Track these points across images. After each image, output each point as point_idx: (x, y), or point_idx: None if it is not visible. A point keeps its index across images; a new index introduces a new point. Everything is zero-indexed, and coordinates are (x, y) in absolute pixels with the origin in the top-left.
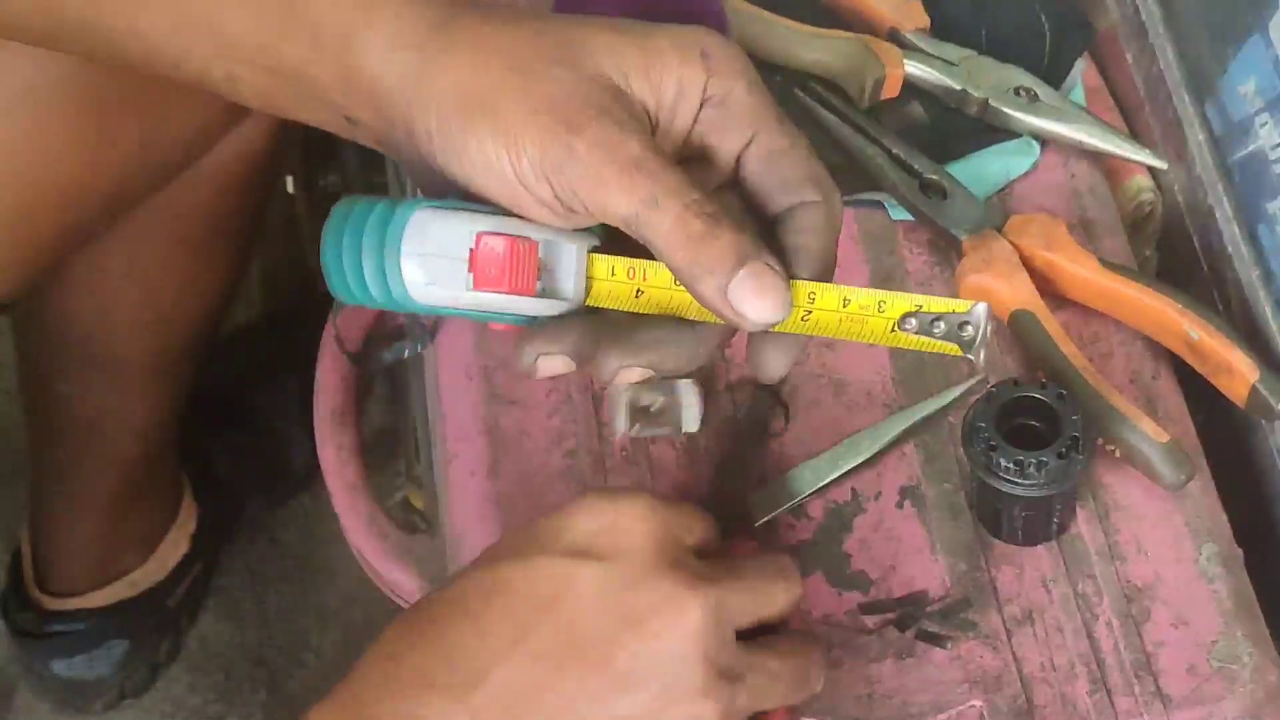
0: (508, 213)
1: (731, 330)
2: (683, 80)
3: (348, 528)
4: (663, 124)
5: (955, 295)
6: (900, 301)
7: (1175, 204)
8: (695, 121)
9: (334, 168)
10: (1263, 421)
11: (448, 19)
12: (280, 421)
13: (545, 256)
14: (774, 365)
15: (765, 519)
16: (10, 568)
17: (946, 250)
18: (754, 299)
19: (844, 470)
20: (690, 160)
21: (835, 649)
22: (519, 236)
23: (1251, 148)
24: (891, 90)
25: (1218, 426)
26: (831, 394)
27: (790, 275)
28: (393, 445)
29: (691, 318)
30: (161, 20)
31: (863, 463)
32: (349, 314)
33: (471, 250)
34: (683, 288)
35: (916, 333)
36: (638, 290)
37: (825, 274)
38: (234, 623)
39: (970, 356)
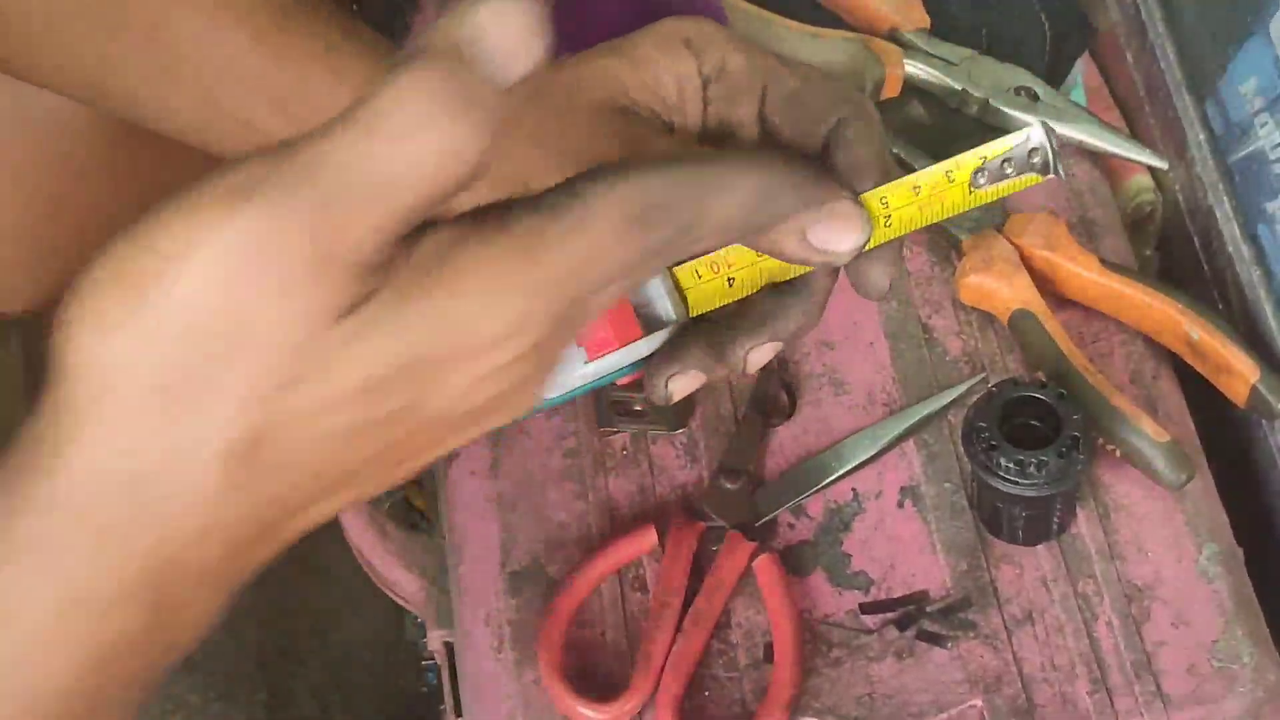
0: None
1: (834, 270)
2: (679, 74)
3: (348, 527)
4: (678, 120)
5: (956, 297)
6: (966, 161)
7: (1175, 204)
8: (706, 106)
9: None
10: (1263, 421)
11: None
12: None
13: (631, 296)
14: (878, 280)
15: (765, 519)
16: None
17: (946, 250)
18: (834, 233)
19: (844, 470)
20: (720, 137)
21: (835, 649)
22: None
23: (1251, 148)
24: (891, 90)
25: (1218, 426)
26: (831, 394)
27: (857, 191)
28: None
29: (790, 278)
30: (190, 107)
31: (863, 463)
32: None
33: None
34: (766, 256)
35: (994, 182)
36: (729, 280)
37: (886, 176)
38: (234, 623)
39: (1054, 175)
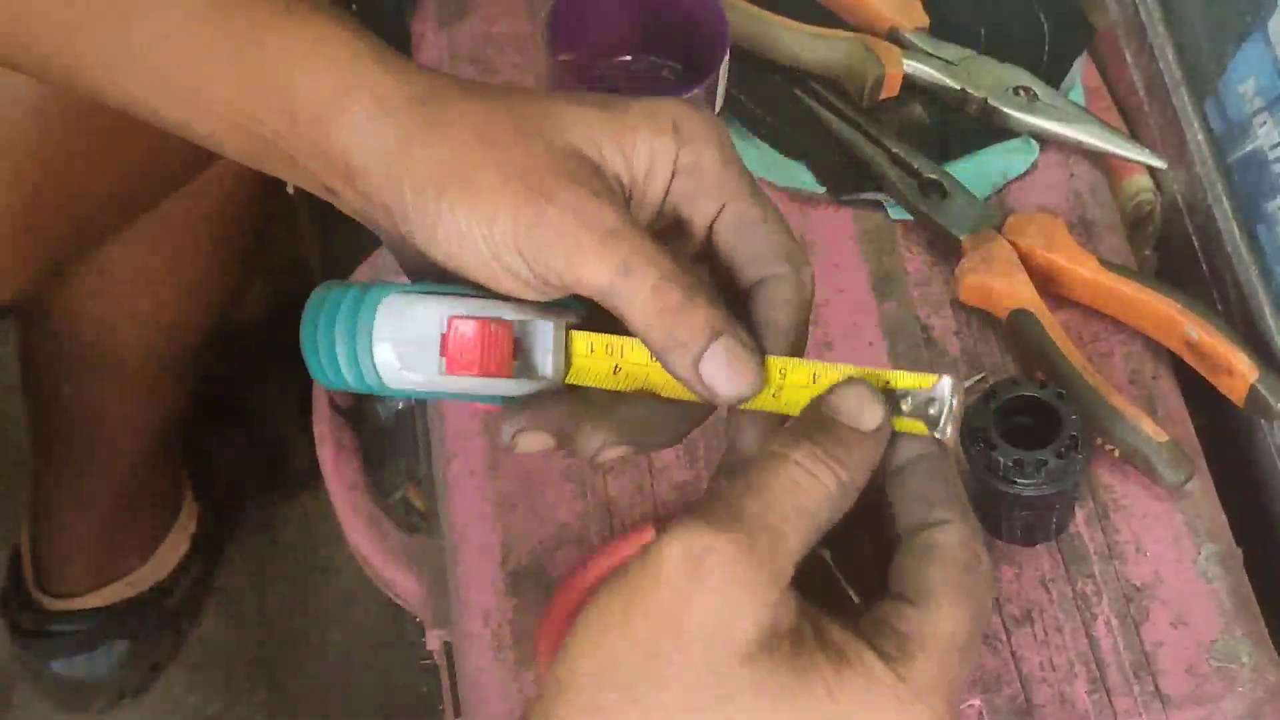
0: (485, 292)
1: (711, 408)
2: (654, 150)
3: (348, 527)
4: (636, 195)
5: (955, 295)
6: (874, 375)
7: (1175, 204)
8: (668, 192)
9: None
10: (1262, 421)
11: (426, 95)
12: (280, 420)
13: (522, 336)
14: (749, 440)
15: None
16: (9, 566)
17: (946, 250)
18: (726, 373)
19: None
20: (665, 232)
21: None
22: (492, 318)
23: (1251, 147)
24: (891, 90)
25: (1218, 426)
26: None
27: (764, 349)
28: (393, 445)
29: (669, 395)
30: (142, 73)
31: None
32: None
33: (443, 335)
34: (659, 364)
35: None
36: (616, 367)
37: (795, 349)
38: (234, 623)
39: (937, 435)
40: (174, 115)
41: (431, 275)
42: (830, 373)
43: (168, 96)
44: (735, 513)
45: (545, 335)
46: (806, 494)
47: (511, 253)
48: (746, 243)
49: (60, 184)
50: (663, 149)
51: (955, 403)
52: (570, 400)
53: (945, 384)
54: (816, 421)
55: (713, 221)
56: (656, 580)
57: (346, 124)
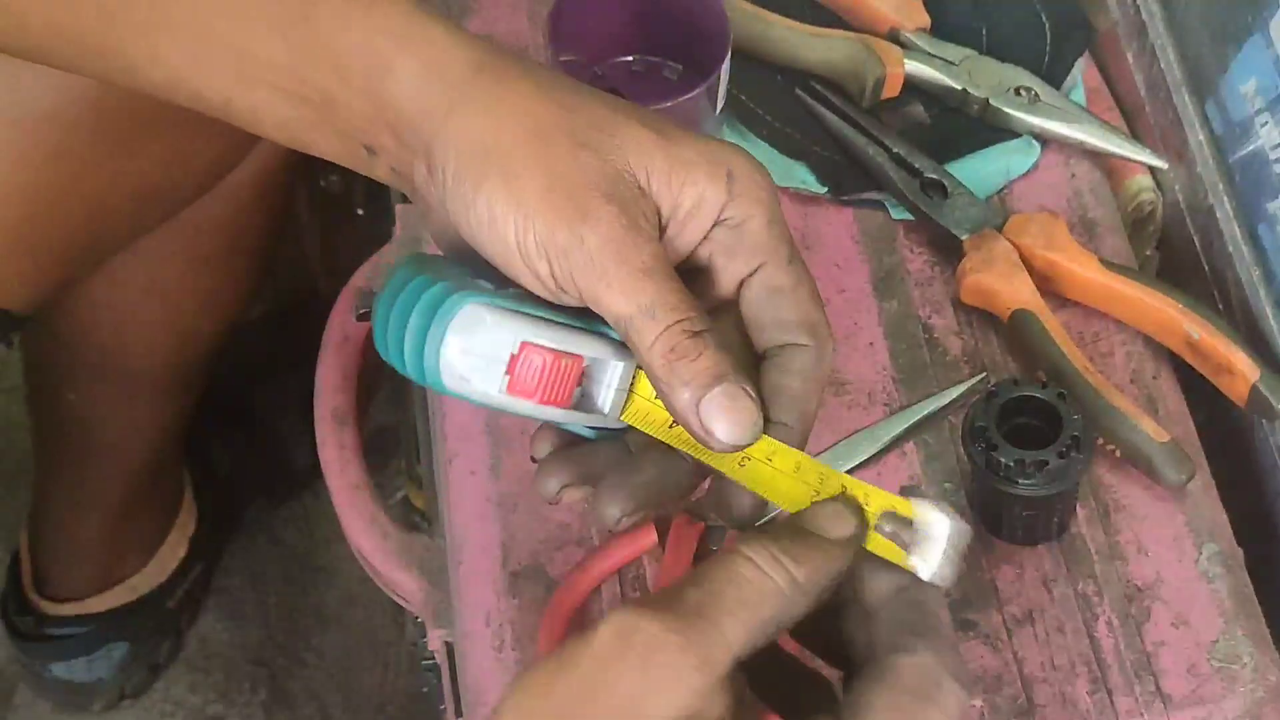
0: (567, 315)
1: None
2: (703, 196)
3: (348, 527)
4: (672, 232)
5: (956, 295)
6: (875, 497)
7: (1176, 204)
8: (706, 238)
9: (334, 167)
10: (1263, 421)
11: (485, 62)
12: (281, 420)
13: (591, 366)
14: (736, 505)
15: (765, 519)
16: (9, 570)
17: (947, 249)
18: (724, 418)
19: (844, 470)
20: (692, 271)
21: None
22: (564, 352)
23: (1252, 147)
24: (892, 90)
25: (1218, 426)
26: (832, 394)
27: (764, 415)
28: (393, 445)
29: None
30: (184, 44)
31: (863, 462)
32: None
33: (512, 356)
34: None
35: (881, 532)
36: (671, 424)
37: (801, 420)
38: (234, 623)
39: (915, 566)
40: (216, 89)
41: (457, 243)
42: (832, 478)
43: (210, 67)
44: (674, 600)
45: (614, 373)
46: (753, 589)
47: (538, 258)
48: (772, 308)
49: (76, 195)
50: (712, 197)
51: (950, 548)
52: (601, 455)
53: (943, 524)
54: (782, 525)
55: (745, 279)
56: (584, 653)
57: (399, 77)
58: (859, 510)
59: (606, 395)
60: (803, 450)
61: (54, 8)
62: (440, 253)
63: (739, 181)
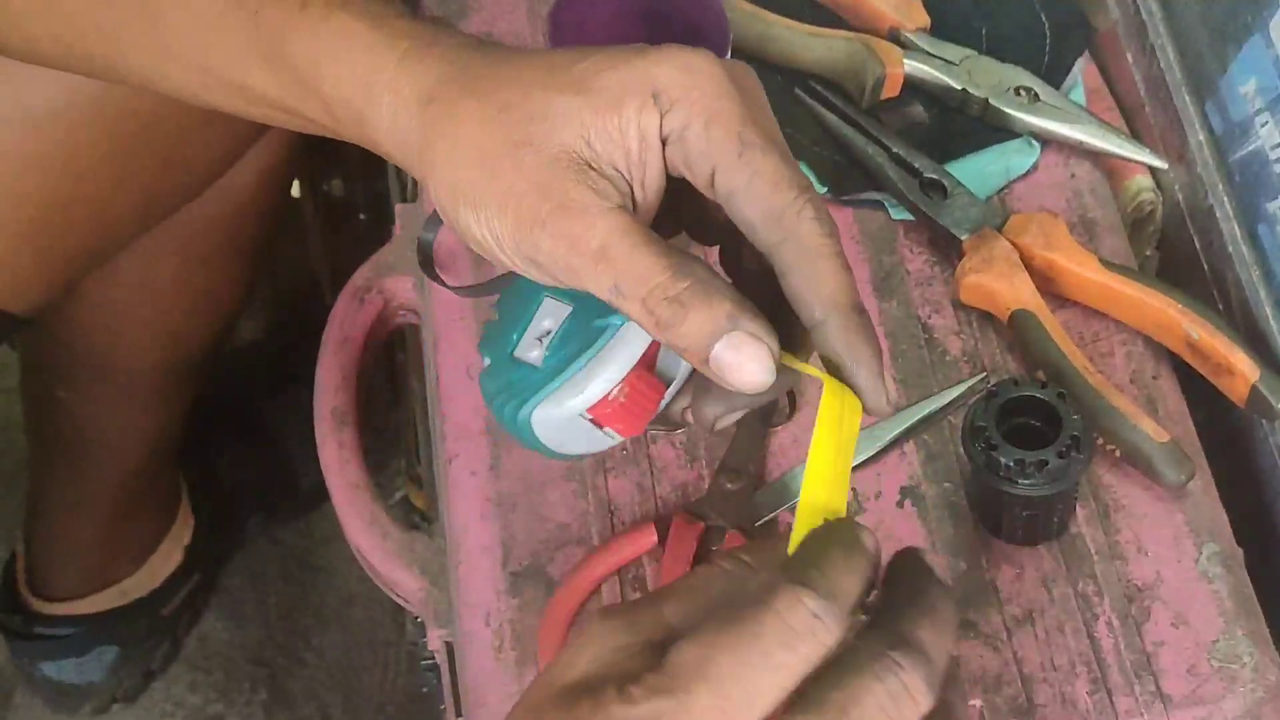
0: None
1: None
2: (642, 128)
3: (348, 527)
4: (636, 175)
5: (956, 295)
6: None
7: (1175, 204)
8: (665, 160)
9: (337, 171)
10: (1263, 421)
11: (434, 94)
12: (289, 437)
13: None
14: (707, 412)
15: (765, 519)
16: (5, 567)
17: (947, 249)
18: (735, 369)
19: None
20: (683, 193)
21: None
22: (619, 390)
23: (1252, 147)
24: (892, 90)
25: (1218, 426)
26: None
27: (793, 331)
28: (393, 445)
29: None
30: (188, 75)
31: (863, 462)
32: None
33: (591, 421)
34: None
35: None
36: None
37: (834, 309)
38: (234, 623)
39: None
40: (226, 106)
41: None
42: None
43: (216, 91)
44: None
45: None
46: (699, 575)
47: (528, 269)
48: (739, 211)
49: (80, 197)
50: (648, 124)
51: None
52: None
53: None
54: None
55: (711, 184)
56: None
57: (374, 124)
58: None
59: (672, 361)
60: (859, 334)
61: (60, 26)
62: None
63: (666, 94)
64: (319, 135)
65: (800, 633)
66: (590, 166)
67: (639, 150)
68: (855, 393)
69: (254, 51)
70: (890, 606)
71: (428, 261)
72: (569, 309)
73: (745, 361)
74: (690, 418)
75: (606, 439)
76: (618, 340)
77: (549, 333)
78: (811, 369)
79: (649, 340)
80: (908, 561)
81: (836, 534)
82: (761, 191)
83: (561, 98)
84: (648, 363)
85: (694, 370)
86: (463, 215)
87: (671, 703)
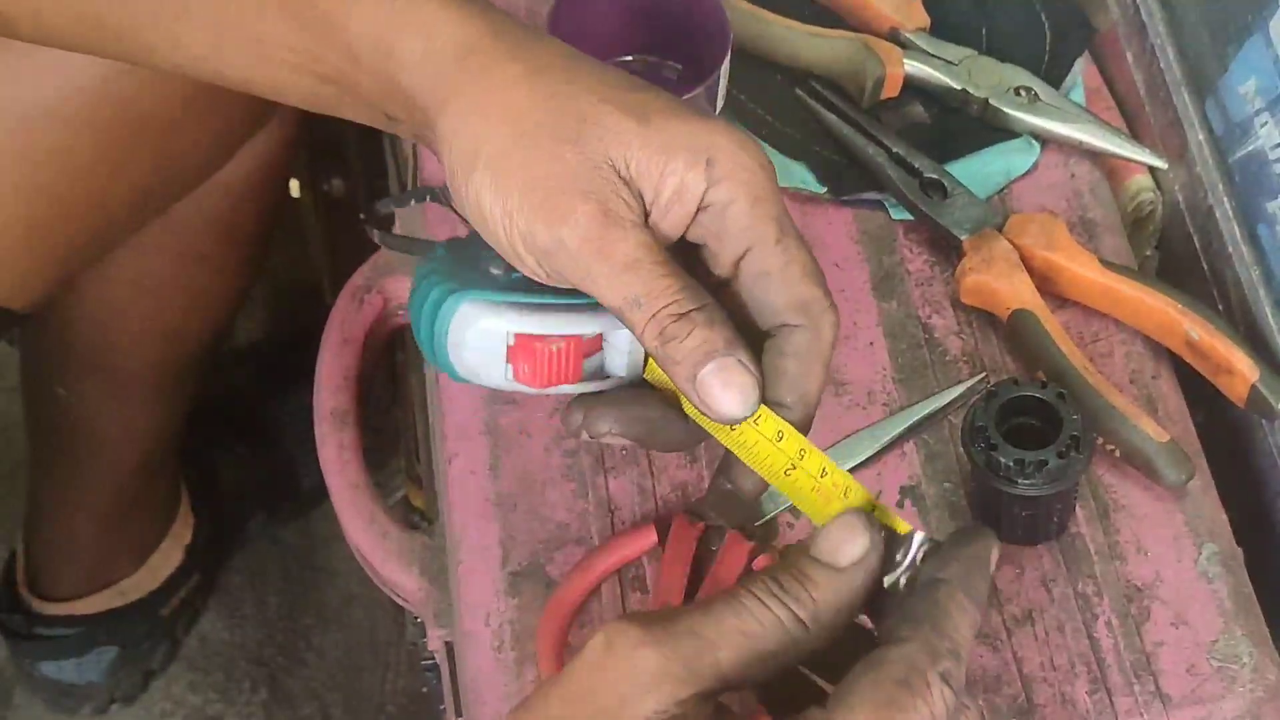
0: (569, 294)
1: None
2: (684, 184)
3: (348, 526)
4: (656, 215)
5: (956, 295)
6: (858, 495)
7: (1175, 204)
8: (694, 223)
9: (337, 170)
10: (1263, 421)
11: (475, 45)
12: (289, 437)
13: (603, 335)
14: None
15: (765, 519)
16: (5, 566)
17: (947, 249)
18: (719, 392)
19: (844, 470)
20: (693, 248)
21: None
22: (558, 336)
23: (1252, 147)
24: (892, 90)
25: (1218, 426)
26: (831, 394)
27: (764, 396)
28: (393, 445)
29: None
30: (202, 30)
31: (863, 462)
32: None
33: (509, 347)
34: None
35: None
36: None
37: (801, 402)
38: (234, 623)
39: (885, 580)
40: (237, 69)
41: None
42: (836, 476)
43: (229, 51)
44: (669, 619)
45: (623, 339)
46: (753, 620)
47: (526, 254)
48: (763, 291)
49: (77, 192)
50: (692, 183)
51: (917, 556)
52: (623, 392)
53: (917, 539)
54: (786, 558)
55: (738, 260)
56: (576, 664)
57: (402, 62)
58: (872, 525)
59: (620, 360)
60: (806, 431)
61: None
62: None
63: (719, 166)
64: (322, 108)
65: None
66: (626, 185)
67: (670, 200)
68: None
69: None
70: (930, 601)
71: (382, 223)
72: None
73: (729, 388)
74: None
75: (500, 377)
76: (591, 310)
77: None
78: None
79: (616, 328)
80: (969, 543)
81: (964, 588)
82: (794, 278)
83: (616, 115)
84: (591, 344)
85: (622, 381)
86: (477, 179)
87: None
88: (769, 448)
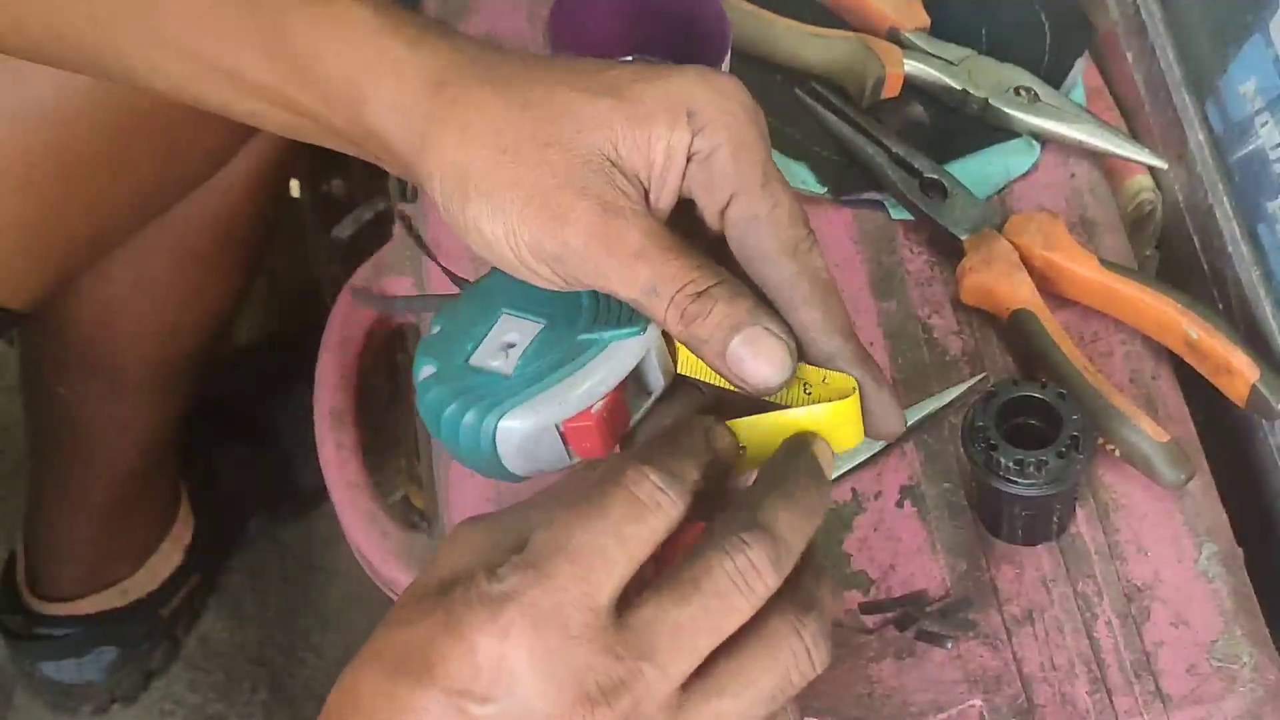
0: (583, 343)
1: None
2: (670, 144)
3: (348, 526)
4: (654, 188)
5: (956, 295)
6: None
7: (1175, 204)
8: (685, 177)
9: (338, 171)
10: (1263, 421)
11: (445, 78)
12: (289, 437)
13: (626, 364)
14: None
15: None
16: (5, 567)
17: (947, 249)
18: (751, 362)
19: (844, 470)
20: (684, 212)
21: (835, 648)
22: (601, 405)
23: (1251, 147)
24: (892, 90)
25: (1218, 426)
26: None
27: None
28: (393, 445)
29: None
30: (179, 63)
31: (863, 462)
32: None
33: (562, 434)
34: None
35: None
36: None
37: (835, 332)
38: (234, 622)
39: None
40: (215, 98)
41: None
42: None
43: (205, 82)
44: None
45: (651, 356)
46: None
47: (537, 265)
48: (754, 238)
49: (77, 191)
50: (677, 141)
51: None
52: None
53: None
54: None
55: (722, 210)
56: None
57: (375, 106)
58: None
59: (652, 375)
60: (856, 352)
61: (51, 14)
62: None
63: (700, 114)
64: (301, 138)
65: (647, 505)
66: (618, 170)
67: (663, 165)
68: (869, 416)
69: (250, 36)
70: (750, 493)
71: (418, 237)
72: (539, 324)
73: (761, 357)
74: None
75: (564, 460)
76: (605, 356)
77: (513, 345)
78: (840, 377)
79: (636, 359)
80: (789, 449)
81: (683, 428)
82: (781, 222)
83: (591, 101)
84: (623, 384)
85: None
86: (472, 207)
87: (533, 574)
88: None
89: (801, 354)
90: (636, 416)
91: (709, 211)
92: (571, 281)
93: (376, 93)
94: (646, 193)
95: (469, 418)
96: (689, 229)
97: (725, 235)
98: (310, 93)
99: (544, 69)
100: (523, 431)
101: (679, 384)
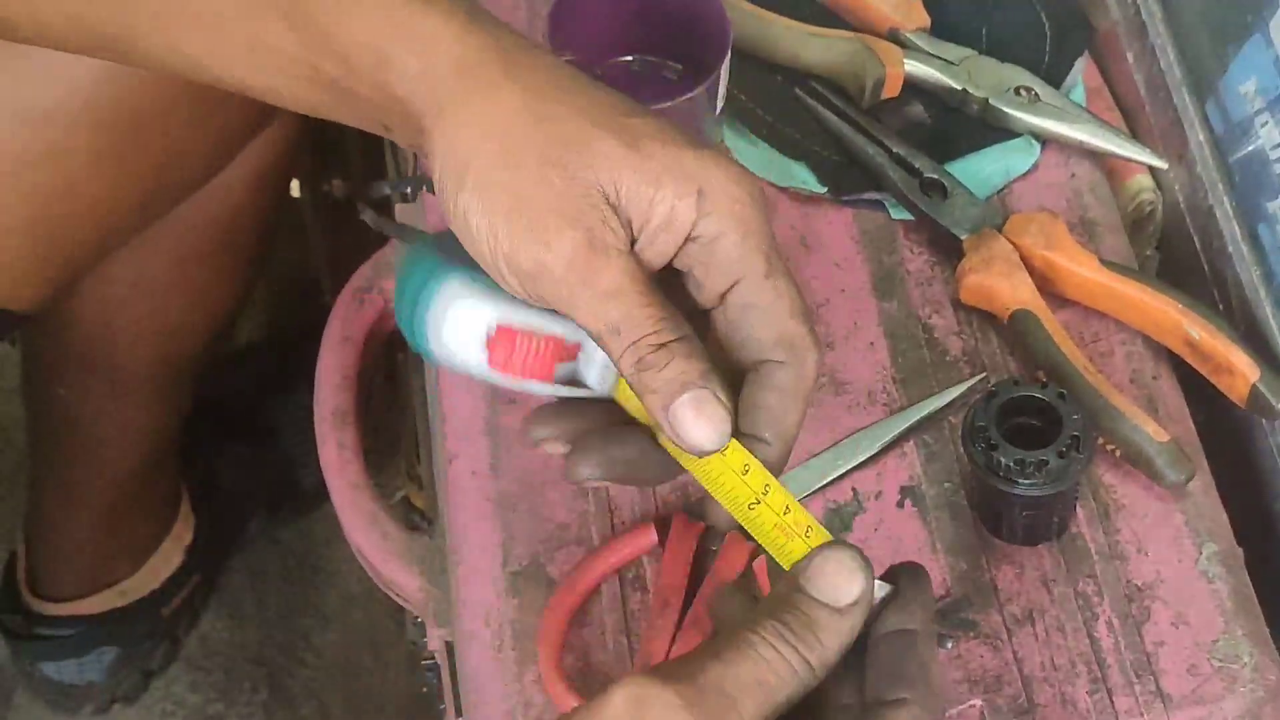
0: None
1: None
2: (673, 213)
3: (348, 526)
4: (644, 241)
5: (956, 295)
6: (819, 535)
7: (1175, 204)
8: (681, 252)
9: (338, 171)
10: (1263, 421)
11: (472, 62)
12: (289, 437)
13: (584, 344)
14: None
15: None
16: (6, 566)
17: (947, 249)
18: (691, 423)
19: (844, 470)
20: (672, 279)
21: None
22: (538, 332)
23: (1252, 147)
24: (892, 90)
25: (1218, 426)
26: (832, 394)
27: (740, 431)
28: (393, 445)
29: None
30: (198, 35)
31: (863, 462)
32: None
33: (490, 335)
34: None
35: None
36: None
37: (779, 439)
38: (234, 623)
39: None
40: (233, 75)
41: None
42: (799, 514)
43: (225, 56)
44: (691, 673)
45: (601, 353)
46: (770, 670)
47: (509, 275)
48: (748, 325)
49: (79, 193)
50: (681, 213)
51: (873, 595)
52: (588, 416)
53: (876, 584)
54: (787, 599)
55: (724, 293)
56: (598, 718)
57: (398, 74)
58: (866, 566)
59: (594, 372)
60: (782, 466)
61: (74, 3)
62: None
63: (710, 198)
64: (315, 113)
65: None
66: (614, 211)
67: (658, 227)
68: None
69: (274, 4)
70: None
71: (377, 205)
72: None
73: (704, 419)
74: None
75: (474, 360)
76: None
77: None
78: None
79: (584, 338)
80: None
81: (930, 637)
82: (780, 315)
83: (607, 140)
84: (569, 350)
85: (602, 398)
86: (465, 196)
87: None
88: (735, 480)
89: (736, 430)
90: (554, 390)
91: (706, 290)
92: (536, 299)
93: (402, 62)
94: (633, 241)
95: (424, 272)
96: (671, 295)
97: (717, 315)
98: (333, 59)
99: (572, 89)
100: (463, 302)
101: None
